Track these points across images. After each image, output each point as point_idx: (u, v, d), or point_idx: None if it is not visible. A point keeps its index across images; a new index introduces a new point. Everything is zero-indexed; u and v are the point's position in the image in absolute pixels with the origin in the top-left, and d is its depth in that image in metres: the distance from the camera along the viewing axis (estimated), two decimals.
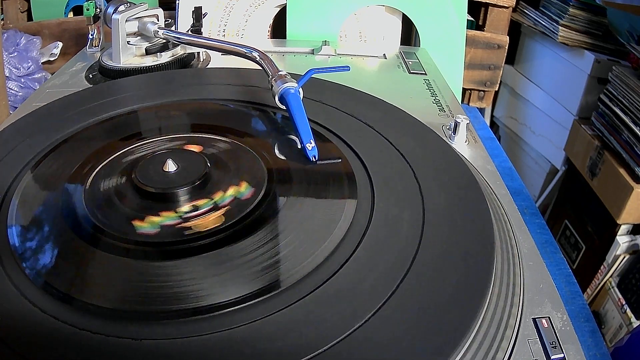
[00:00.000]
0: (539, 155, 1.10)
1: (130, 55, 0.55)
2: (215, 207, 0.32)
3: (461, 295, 0.26)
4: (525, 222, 0.35)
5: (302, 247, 0.29)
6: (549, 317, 0.28)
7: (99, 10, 0.61)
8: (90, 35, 0.63)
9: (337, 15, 0.70)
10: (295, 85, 0.40)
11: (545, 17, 0.96)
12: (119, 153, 0.37)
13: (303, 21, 0.69)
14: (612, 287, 0.78)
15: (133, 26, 0.56)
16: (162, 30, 0.55)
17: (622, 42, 0.87)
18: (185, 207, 0.32)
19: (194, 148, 0.38)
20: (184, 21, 0.67)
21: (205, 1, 0.67)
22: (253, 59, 0.47)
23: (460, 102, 0.55)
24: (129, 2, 0.55)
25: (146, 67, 0.54)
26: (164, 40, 0.56)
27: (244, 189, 0.34)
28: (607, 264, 0.80)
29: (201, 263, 0.28)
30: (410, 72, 0.59)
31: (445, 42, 0.71)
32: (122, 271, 0.28)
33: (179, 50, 0.57)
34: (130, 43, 0.55)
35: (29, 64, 0.74)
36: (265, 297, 0.26)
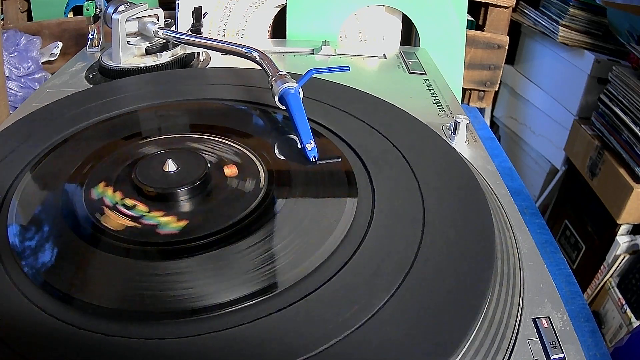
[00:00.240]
0: (539, 155, 1.10)
1: (130, 55, 0.55)
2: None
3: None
4: (525, 222, 0.35)
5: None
6: (549, 317, 0.28)
7: (99, 10, 0.61)
8: (90, 35, 0.63)
9: (337, 15, 0.70)
10: (295, 85, 0.40)
11: (545, 17, 0.96)
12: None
13: (303, 21, 0.69)
14: (612, 287, 0.78)
15: (133, 26, 0.56)
16: (162, 30, 0.55)
17: (622, 42, 0.87)
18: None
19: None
20: (184, 21, 0.67)
21: (205, 1, 0.67)
22: (253, 59, 0.47)
23: (460, 102, 0.55)
24: (129, 2, 0.55)
25: (146, 67, 0.54)
26: (164, 40, 0.56)
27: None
28: (607, 264, 0.80)
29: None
30: (410, 72, 0.59)
31: (445, 42, 0.71)
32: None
33: (179, 50, 0.57)
34: (130, 43, 0.55)
35: (29, 64, 0.74)
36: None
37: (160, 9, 0.57)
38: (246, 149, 0.37)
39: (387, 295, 0.26)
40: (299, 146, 0.37)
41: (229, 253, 0.29)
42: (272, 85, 0.41)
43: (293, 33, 0.70)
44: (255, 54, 0.47)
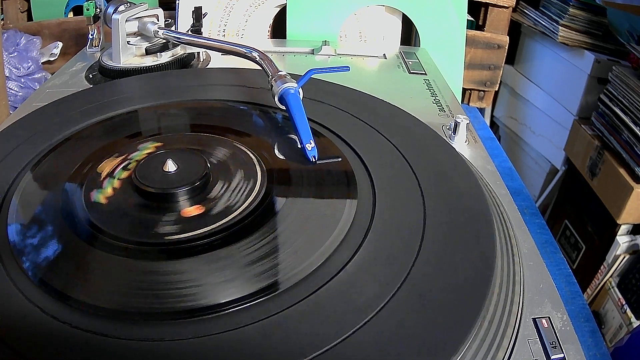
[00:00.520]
0: (539, 155, 1.10)
1: (130, 55, 0.55)
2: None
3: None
4: (525, 222, 0.35)
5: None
6: (549, 317, 0.28)
7: (99, 10, 0.61)
8: (90, 35, 0.63)
9: (337, 15, 0.70)
10: (295, 85, 0.40)
11: (545, 17, 0.96)
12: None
13: (303, 21, 0.69)
14: (612, 287, 0.78)
15: (133, 26, 0.56)
16: (162, 30, 0.55)
17: (622, 42, 0.87)
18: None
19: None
20: (184, 21, 0.67)
21: (205, 1, 0.67)
22: (253, 59, 0.47)
23: (460, 102, 0.55)
24: (129, 2, 0.55)
25: (146, 67, 0.54)
26: (164, 40, 0.56)
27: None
28: (607, 264, 0.80)
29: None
30: (410, 72, 0.59)
31: (445, 42, 0.71)
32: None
33: (179, 50, 0.57)
34: (130, 43, 0.55)
35: (29, 64, 0.74)
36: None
37: (160, 9, 0.57)
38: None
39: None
40: (299, 146, 0.37)
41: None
42: (272, 85, 0.41)
43: (293, 33, 0.70)
44: (255, 54, 0.47)
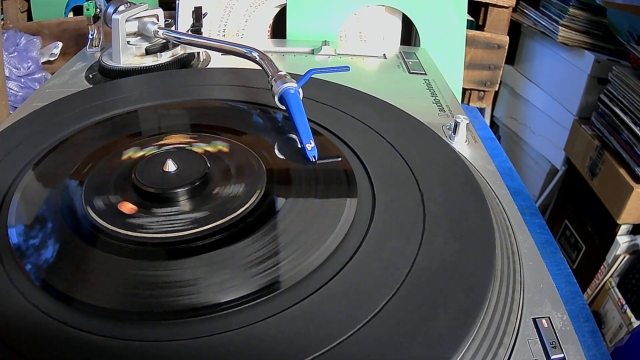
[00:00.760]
0: (539, 155, 1.10)
1: (130, 55, 0.55)
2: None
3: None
4: (525, 222, 0.35)
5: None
6: (549, 317, 0.28)
7: (99, 10, 0.61)
8: (90, 35, 0.63)
9: (337, 15, 0.70)
10: (295, 85, 0.40)
11: (545, 17, 0.96)
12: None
13: (303, 21, 0.69)
14: (612, 287, 0.78)
15: (133, 26, 0.56)
16: (162, 30, 0.55)
17: (622, 42, 0.87)
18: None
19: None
20: (184, 21, 0.67)
21: (205, 1, 0.67)
22: (253, 59, 0.47)
23: (460, 102, 0.55)
24: (129, 2, 0.55)
25: (146, 67, 0.54)
26: (164, 40, 0.56)
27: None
28: (607, 264, 0.80)
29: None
30: (410, 72, 0.59)
31: (445, 42, 0.71)
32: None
33: (179, 50, 0.57)
34: (130, 43, 0.55)
35: (29, 64, 0.74)
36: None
37: (160, 9, 0.57)
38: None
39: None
40: (299, 146, 0.37)
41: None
42: (272, 85, 0.41)
43: (293, 33, 0.70)
44: (255, 54, 0.47)
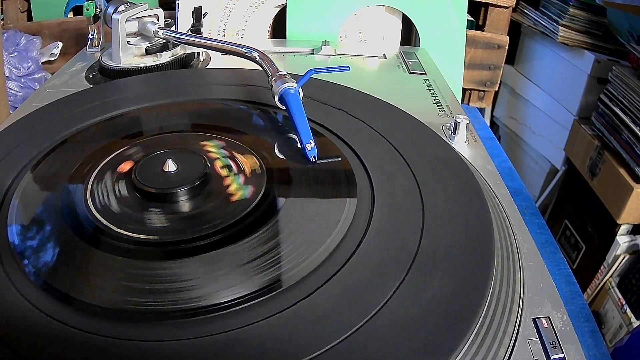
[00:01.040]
0: (539, 155, 1.10)
1: (130, 55, 0.55)
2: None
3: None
4: (525, 222, 0.35)
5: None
6: (549, 317, 0.28)
7: (99, 10, 0.61)
8: (90, 35, 0.63)
9: (337, 15, 0.70)
10: (295, 85, 0.40)
11: (545, 17, 0.96)
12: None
13: (303, 21, 0.69)
14: (612, 287, 0.78)
15: (133, 26, 0.56)
16: (162, 30, 0.55)
17: (622, 42, 0.87)
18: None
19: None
20: (184, 21, 0.67)
21: (205, 1, 0.67)
22: (253, 59, 0.47)
23: (460, 102, 0.55)
24: (129, 2, 0.55)
25: (146, 67, 0.54)
26: (164, 40, 0.56)
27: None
28: (607, 264, 0.80)
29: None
30: (410, 72, 0.59)
31: (445, 42, 0.71)
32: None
33: (179, 50, 0.57)
34: (130, 43, 0.55)
35: (29, 64, 0.74)
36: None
37: (160, 9, 0.57)
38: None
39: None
40: (299, 146, 0.37)
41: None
42: (272, 85, 0.41)
43: (293, 33, 0.70)
44: (255, 54, 0.47)
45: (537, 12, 0.99)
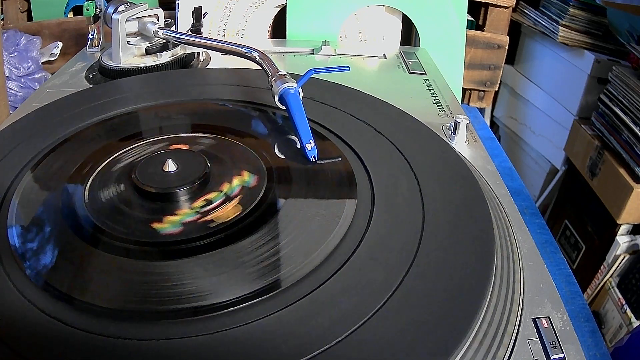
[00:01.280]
0: (539, 155, 1.10)
1: (130, 55, 0.55)
2: (215, 207, 0.32)
3: (461, 295, 0.26)
4: (525, 222, 0.35)
5: (302, 247, 0.29)
6: (549, 317, 0.28)
7: (99, 10, 0.61)
8: (90, 35, 0.63)
9: (337, 15, 0.70)
10: (295, 85, 0.40)
11: (545, 17, 0.96)
12: (118, 153, 0.37)
13: (303, 21, 0.69)
14: (612, 287, 0.78)
15: (133, 26, 0.56)
16: (162, 30, 0.55)
17: (622, 42, 0.87)
18: (185, 208, 0.32)
19: (193, 148, 0.38)
20: (184, 21, 0.67)
21: (205, 1, 0.67)
22: (253, 59, 0.47)
23: (460, 102, 0.55)
24: (129, 2, 0.55)
25: (146, 67, 0.54)
26: (164, 40, 0.56)
27: (243, 189, 0.34)
28: (607, 264, 0.80)
29: (202, 263, 0.28)
30: (410, 72, 0.59)
31: (445, 42, 0.71)
32: (122, 271, 0.28)
33: (179, 50, 0.57)
34: (130, 43, 0.55)
35: (29, 64, 0.74)
36: (265, 297, 0.26)
37: (160, 9, 0.57)
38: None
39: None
40: (299, 146, 0.37)
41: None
42: (272, 85, 0.41)
43: (293, 33, 0.70)
44: (255, 54, 0.47)
45: (537, 12, 0.99)
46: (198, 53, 0.60)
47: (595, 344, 0.44)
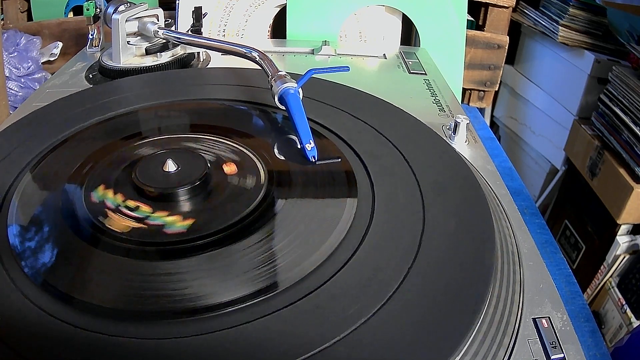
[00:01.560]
0: (539, 155, 1.10)
1: (130, 55, 0.55)
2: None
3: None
4: (525, 222, 0.35)
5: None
6: (549, 317, 0.28)
7: (99, 10, 0.61)
8: (90, 35, 0.63)
9: (337, 15, 0.70)
10: (295, 85, 0.40)
11: (545, 17, 0.96)
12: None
13: (303, 21, 0.69)
14: (612, 287, 0.78)
15: (133, 26, 0.56)
16: (162, 30, 0.55)
17: (622, 42, 0.87)
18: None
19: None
20: (184, 21, 0.67)
21: (205, 1, 0.67)
22: (253, 59, 0.47)
23: (460, 102, 0.55)
24: (129, 2, 0.55)
25: (146, 67, 0.54)
26: (164, 40, 0.56)
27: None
28: (607, 264, 0.80)
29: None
30: (410, 72, 0.59)
31: (445, 42, 0.71)
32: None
33: (179, 50, 0.57)
34: (130, 43, 0.55)
35: (29, 64, 0.74)
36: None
37: (160, 9, 0.57)
38: (246, 149, 0.37)
39: (387, 295, 0.26)
40: (299, 146, 0.37)
41: (228, 253, 0.29)
42: (271, 85, 0.41)
43: (293, 33, 0.70)
44: (255, 54, 0.47)
45: (537, 12, 0.99)
46: (198, 53, 0.60)
47: (595, 344, 0.44)
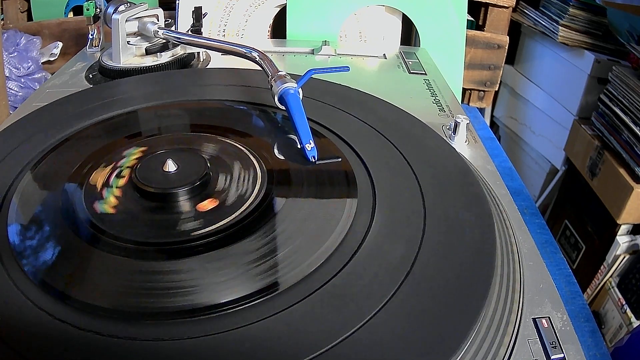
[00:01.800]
0: (539, 155, 1.10)
1: (130, 55, 0.55)
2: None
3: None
4: (525, 222, 0.35)
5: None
6: (549, 317, 0.28)
7: (99, 10, 0.61)
8: (90, 35, 0.63)
9: (337, 15, 0.70)
10: (295, 85, 0.40)
11: (545, 17, 0.96)
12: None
13: (303, 21, 0.69)
14: (612, 287, 0.78)
15: (133, 26, 0.56)
16: (162, 30, 0.55)
17: (622, 42, 0.87)
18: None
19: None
20: (184, 21, 0.67)
21: (205, 1, 0.67)
22: (253, 59, 0.47)
23: (460, 102, 0.55)
24: (129, 2, 0.55)
25: (146, 67, 0.54)
26: (164, 40, 0.56)
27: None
28: (607, 264, 0.80)
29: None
30: (410, 72, 0.59)
31: (445, 42, 0.71)
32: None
33: (179, 50, 0.57)
34: (130, 43, 0.55)
35: (29, 64, 0.74)
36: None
37: (160, 9, 0.57)
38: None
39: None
40: (299, 146, 0.37)
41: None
42: (271, 86, 0.41)
43: (293, 33, 0.70)
44: (255, 54, 0.47)
45: (537, 12, 0.99)
46: (198, 53, 0.60)
47: (595, 344, 0.44)
